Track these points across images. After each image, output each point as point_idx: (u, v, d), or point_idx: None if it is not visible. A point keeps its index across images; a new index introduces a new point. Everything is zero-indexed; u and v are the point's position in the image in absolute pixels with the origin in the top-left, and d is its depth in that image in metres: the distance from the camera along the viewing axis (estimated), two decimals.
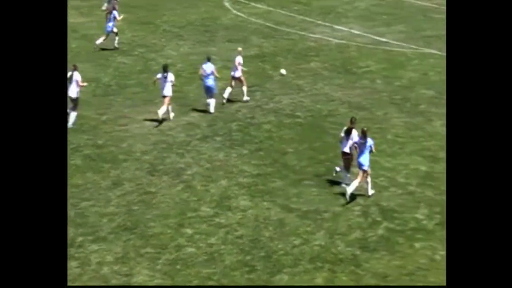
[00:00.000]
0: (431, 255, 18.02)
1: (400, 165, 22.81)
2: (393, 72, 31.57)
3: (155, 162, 23.08)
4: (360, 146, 20.74)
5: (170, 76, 26.02)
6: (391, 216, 19.84)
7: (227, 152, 23.79)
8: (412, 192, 21.16)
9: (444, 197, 20.76)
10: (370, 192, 20.90)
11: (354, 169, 21.20)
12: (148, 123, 26.16)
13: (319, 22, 39.58)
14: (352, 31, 37.62)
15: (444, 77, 30.89)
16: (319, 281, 17.02)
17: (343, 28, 38.14)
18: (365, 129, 20.91)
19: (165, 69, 26.06)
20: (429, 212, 20.04)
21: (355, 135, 21.11)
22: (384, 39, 36.35)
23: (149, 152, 23.82)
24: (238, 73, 27.76)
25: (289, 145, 24.34)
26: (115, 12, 34.74)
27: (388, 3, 44.09)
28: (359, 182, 20.56)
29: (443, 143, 24.25)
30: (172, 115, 26.35)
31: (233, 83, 27.90)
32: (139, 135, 25.15)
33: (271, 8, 42.47)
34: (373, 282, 16.99)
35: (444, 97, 28.47)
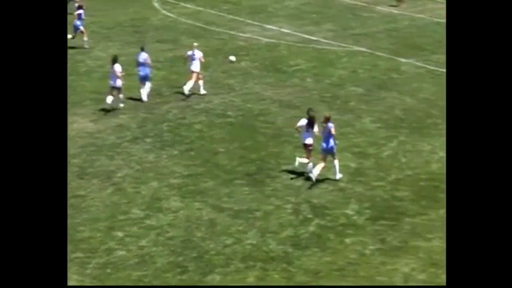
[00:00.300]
0: (361, 250, 18.19)
1: (330, 161, 22.93)
2: (323, 70, 31.79)
3: (84, 165, 22.78)
4: (325, 132, 21.48)
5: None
6: (322, 213, 19.95)
7: (158, 153, 23.63)
8: (343, 189, 21.33)
9: (374, 192, 21.08)
10: (338, 176, 21.58)
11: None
12: (76, 125, 25.81)
13: (249, 21, 39.63)
14: (282, 30, 37.76)
15: (373, 73, 31.33)
16: (251, 280, 17.01)
17: (273, 27, 38.25)
18: (327, 115, 21.92)
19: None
20: (359, 207, 20.22)
21: (316, 125, 21.82)
22: (313, 38, 36.57)
23: (77, 155, 23.50)
24: (195, 68, 28.25)
25: (220, 144, 24.29)
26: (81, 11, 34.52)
27: (317, 2, 44.38)
28: (323, 167, 21.39)
29: (372, 139, 24.59)
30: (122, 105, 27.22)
31: (193, 77, 28.37)
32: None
33: (200, 8, 42.36)
34: (304, 279, 17.05)
35: (373, 93, 28.86)
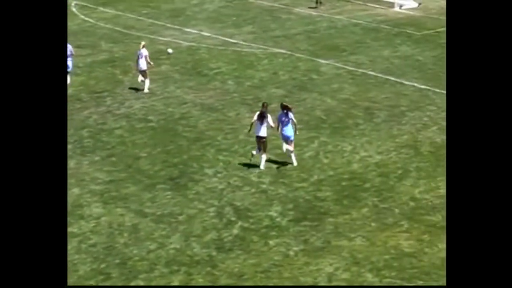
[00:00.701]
0: (285, 251, 18.27)
1: (253, 164, 22.99)
2: (244, 73, 31.86)
3: None
4: (283, 121, 22.64)
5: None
6: (246, 215, 19.98)
7: (79, 160, 23.29)
8: (265, 191, 21.39)
9: (296, 194, 21.21)
10: (295, 163, 22.81)
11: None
12: None
13: (169, 25, 39.43)
14: (202, 33, 37.69)
15: (293, 75, 31.53)
16: (175, 285, 16.91)
17: (193, 31, 38.15)
18: (284, 103, 23.16)
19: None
20: (282, 209, 20.31)
21: (269, 117, 22.83)
22: (233, 40, 36.62)
23: None
24: (143, 66, 28.96)
25: (142, 149, 24.09)
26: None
27: (236, 5, 44.43)
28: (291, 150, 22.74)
29: (294, 140, 24.69)
30: None
31: (140, 76, 29.27)
32: None
33: (120, 13, 41.95)
34: (229, 281, 17.04)
35: (294, 95, 29.03)
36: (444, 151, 24.08)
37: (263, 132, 22.78)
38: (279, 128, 23.01)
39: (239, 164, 22.99)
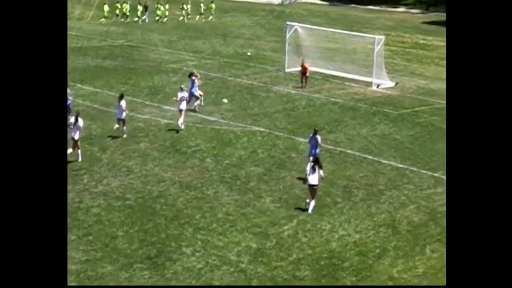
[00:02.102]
0: None
1: (231, 243, 22.84)
2: (223, 150, 31.90)
3: None
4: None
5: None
6: None
7: None
8: (244, 270, 21.18)
9: (275, 273, 21.01)
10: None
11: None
12: None
13: (148, 102, 39.61)
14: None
15: (272, 153, 31.56)
16: None
17: (172, 108, 38.30)
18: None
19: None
20: None
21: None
22: (212, 118, 36.78)
23: None
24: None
25: (119, 228, 23.86)
26: None
27: (215, 82, 44.83)
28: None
29: (273, 219, 24.63)
30: None
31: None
32: None
33: (98, 90, 42.12)
34: None
35: (273, 173, 29.03)
36: (421, 230, 24.10)
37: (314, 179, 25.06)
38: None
39: (217, 243, 22.81)
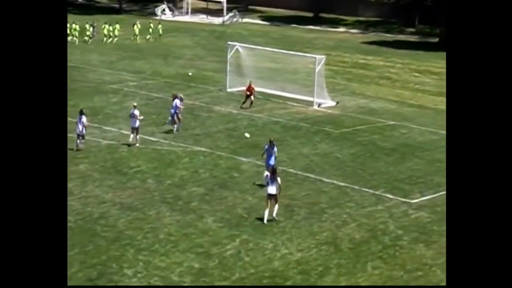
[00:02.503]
0: None
1: (174, 263, 22.67)
2: (164, 171, 31.71)
3: None
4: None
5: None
6: None
7: None
8: None
9: None
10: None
11: None
12: None
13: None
14: (122, 131, 37.53)
15: (214, 173, 31.50)
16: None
17: (113, 129, 38.01)
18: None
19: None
20: None
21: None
22: (154, 139, 36.58)
23: None
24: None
25: None
26: None
27: (156, 102, 44.63)
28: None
29: (215, 239, 24.55)
30: None
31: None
32: None
33: None
34: None
35: (215, 193, 28.95)
36: (363, 248, 24.26)
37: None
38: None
39: (159, 263, 22.62)
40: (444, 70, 63.41)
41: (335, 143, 36.95)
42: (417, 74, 61.26)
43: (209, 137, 37.24)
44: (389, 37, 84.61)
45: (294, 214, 27.08)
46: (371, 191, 30.05)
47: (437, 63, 67.55)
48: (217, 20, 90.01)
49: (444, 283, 22.08)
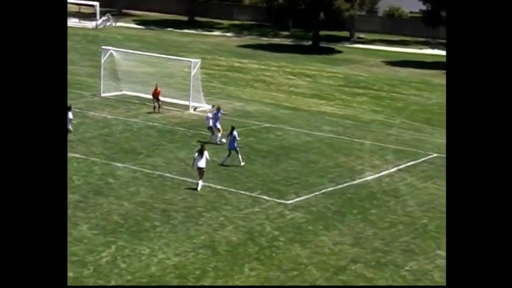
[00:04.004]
0: None
1: None
2: None
3: None
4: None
5: None
6: None
7: None
8: None
9: None
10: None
11: None
12: None
13: None
14: None
15: (88, 180, 31.01)
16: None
17: None
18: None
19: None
20: None
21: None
22: None
23: None
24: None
25: None
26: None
27: None
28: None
29: (91, 246, 24.17)
30: None
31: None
32: None
33: None
34: None
35: (90, 200, 28.51)
36: (240, 250, 24.42)
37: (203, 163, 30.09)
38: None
39: None
40: (317, 73, 64.82)
41: (211, 147, 37.06)
42: (291, 77, 62.24)
43: (83, 143, 36.64)
44: (264, 40, 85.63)
45: (171, 218, 26.99)
46: (248, 193, 30.29)
47: (311, 65, 68.90)
48: (90, 24, 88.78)
49: (319, 282, 22.53)
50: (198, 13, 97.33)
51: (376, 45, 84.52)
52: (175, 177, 31.92)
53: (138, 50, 59.53)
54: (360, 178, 33.38)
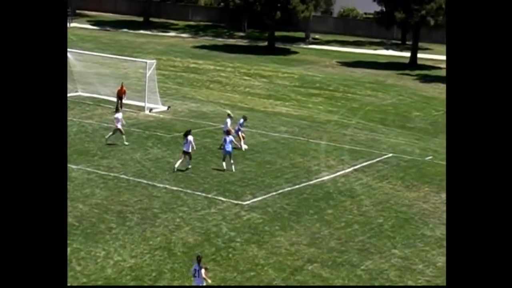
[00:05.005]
0: None
1: None
2: None
3: None
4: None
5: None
6: None
7: None
8: None
9: None
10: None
11: None
12: None
13: None
14: None
15: None
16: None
17: None
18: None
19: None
20: None
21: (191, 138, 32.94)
22: None
23: None
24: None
25: None
26: None
27: None
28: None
29: None
30: None
31: None
32: None
33: None
34: None
35: None
36: (197, 251, 24.35)
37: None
38: None
39: None
40: (273, 74, 64.98)
41: (167, 148, 36.94)
42: (247, 78, 62.28)
43: None
44: (219, 41, 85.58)
45: (127, 220, 26.82)
46: (204, 194, 30.23)
47: (267, 66, 69.02)
48: None
49: (276, 282, 22.57)
50: (153, 14, 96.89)
51: (331, 45, 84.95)
52: (131, 178, 31.73)
53: (93, 51, 59.08)
54: (316, 179, 33.53)
